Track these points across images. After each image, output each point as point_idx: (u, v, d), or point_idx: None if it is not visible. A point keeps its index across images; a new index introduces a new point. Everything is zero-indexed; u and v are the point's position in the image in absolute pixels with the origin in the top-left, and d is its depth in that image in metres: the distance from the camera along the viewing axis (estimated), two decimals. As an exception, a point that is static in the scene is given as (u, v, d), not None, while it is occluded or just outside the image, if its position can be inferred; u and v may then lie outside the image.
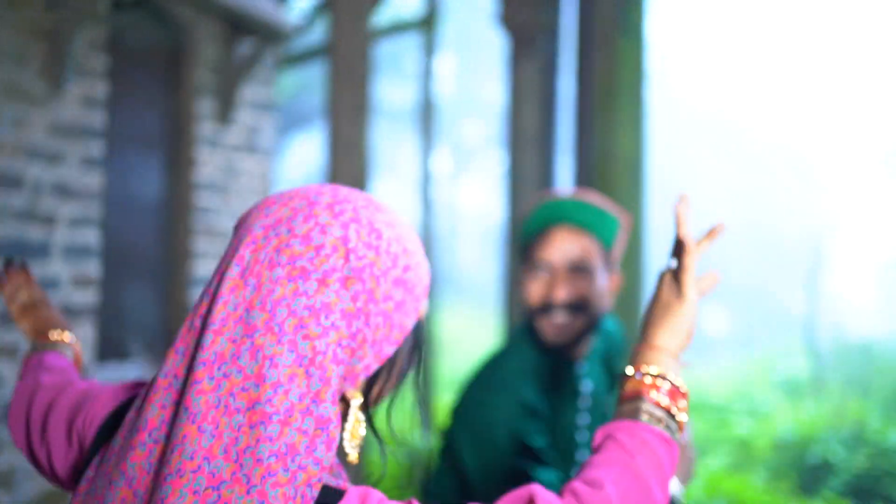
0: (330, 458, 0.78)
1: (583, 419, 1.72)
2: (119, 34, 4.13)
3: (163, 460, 0.77)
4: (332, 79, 2.92)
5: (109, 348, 4.09)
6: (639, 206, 3.39)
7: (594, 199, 1.68)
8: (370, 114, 3.24)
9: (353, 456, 0.82)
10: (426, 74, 5.66)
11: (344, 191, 0.87)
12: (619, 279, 1.70)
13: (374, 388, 0.85)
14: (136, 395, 0.93)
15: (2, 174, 3.44)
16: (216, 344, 0.78)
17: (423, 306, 0.87)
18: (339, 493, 0.80)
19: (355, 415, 0.83)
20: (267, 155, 5.02)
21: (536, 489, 0.86)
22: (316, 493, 0.77)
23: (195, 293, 4.51)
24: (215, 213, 4.63)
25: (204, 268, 4.57)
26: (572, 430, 1.72)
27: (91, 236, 3.86)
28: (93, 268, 3.86)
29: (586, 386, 1.71)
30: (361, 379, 0.83)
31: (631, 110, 3.35)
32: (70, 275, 3.77)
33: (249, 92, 4.83)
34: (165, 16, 4.36)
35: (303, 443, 0.76)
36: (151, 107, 4.39)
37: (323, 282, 0.80)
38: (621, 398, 0.99)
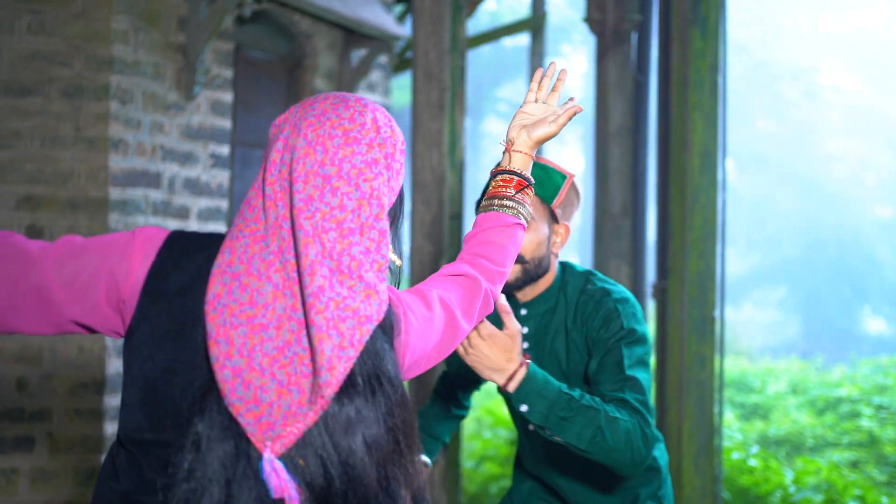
0: (387, 253, 1.18)
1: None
2: (243, 47, 4.61)
3: (299, 269, 1.13)
4: (415, 78, 3.23)
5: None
6: (714, 194, 3.52)
7: (541, 161, 1.89)
8: (450, 110, 3.53)
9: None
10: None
11: (354, 95, 1.28)
12: (567, 229, 1.90)
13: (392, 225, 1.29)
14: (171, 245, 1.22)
15: (143, 173, 3.96)
16: (306, 189, 1.15)
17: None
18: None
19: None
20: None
21: (460, 267, 1.41)
22: (385, 276, 1.17)
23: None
24: (331, 207, 5.05)
25: (321, 258, 5.00)
26: None
27: (220, 228, 4.34)
28: (220, 256, 4.34)
29: (526, 327, 1.95)
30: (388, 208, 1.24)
31: (705, 102, 3.49)
32: (201, 261, 4.26)
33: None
34: (284, 28, 4.82)
35: (373, 245, 1.16)
36: (273, 112, 4.86)
37: (369, 145, 1.20)
38: (486, 192, 1.54)
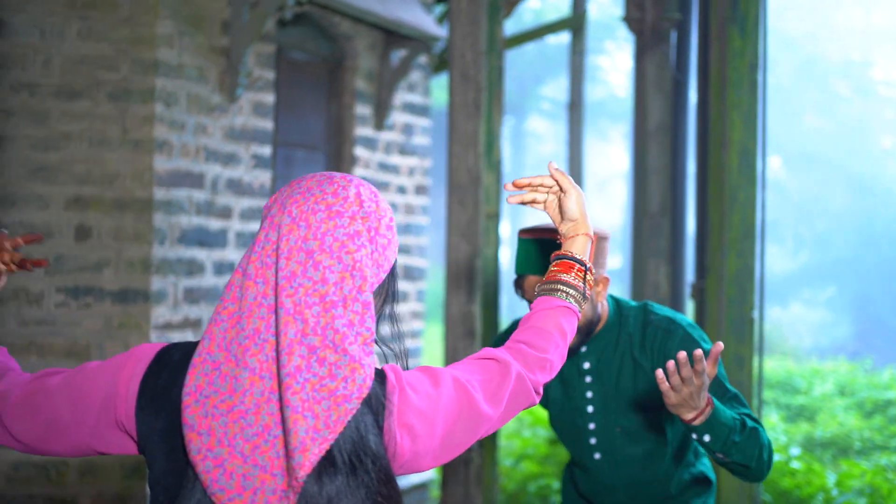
0: (373, 326, 1.19)
1: (589, 390, 2.04)
2: (285, 49, 4.69)
3: (278, 348, 1.14)
4: (451, 79, 3.26)
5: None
6: (752, 192, 3.50)
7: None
8: (486, 111, 3.55)
9: None
10: (574, 73, 5.89)
11: (341, 173, 1.29)
12: (605, 280, 1.96)
13: (377, 302, 1.27)
14: (166, 356, 1.25)
15: (187, 173, 4.05)
16: (289, 265, 1.17)
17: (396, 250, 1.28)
18: (382, 372, 1.24)
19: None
20: (420, 154, 5.46)
21: (492, 350, 1.33)
22: (371, 350, 1.16)
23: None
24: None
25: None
26: (583, 400, 2.01)
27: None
28: (262, 254, 4.42)
29: (587, 363, 2.04)
30: (376, 286, 1.25)
31: (744, 100, 3.46)
32: (243, 260, 4.35)
33: (404, 97, 5.28)
34: (326, 30, 4.88)
35: (357, 318, 1.17)
36: (314, 112, 4.93)
37: (352, 217, 1.21)
38: (546, 278, 1.46)
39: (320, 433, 1.11)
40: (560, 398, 2.08)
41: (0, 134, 3.78)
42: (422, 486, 5.22)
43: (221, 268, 4.24)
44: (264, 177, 4.44)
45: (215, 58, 4.16)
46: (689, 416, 1.74)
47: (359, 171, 5.02)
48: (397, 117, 5.26)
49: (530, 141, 21.42)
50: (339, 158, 5.01)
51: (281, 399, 1.12)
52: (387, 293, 1.28)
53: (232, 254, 4.29)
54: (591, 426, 2.04)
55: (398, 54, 5.17)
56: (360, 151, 5.03)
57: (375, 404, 1.18)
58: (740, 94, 3.45)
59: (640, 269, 4.18)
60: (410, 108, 5.35)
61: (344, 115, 5.00)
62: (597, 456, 2.07)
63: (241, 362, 1.15)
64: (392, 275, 1.28)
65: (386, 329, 1.30)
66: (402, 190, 5.35)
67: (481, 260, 3.32)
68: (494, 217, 3.54)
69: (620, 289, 12.82)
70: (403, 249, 5.32)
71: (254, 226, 4.40)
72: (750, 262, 3.50)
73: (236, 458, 1.12)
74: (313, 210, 1.20)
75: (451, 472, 3.33)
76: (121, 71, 3.88)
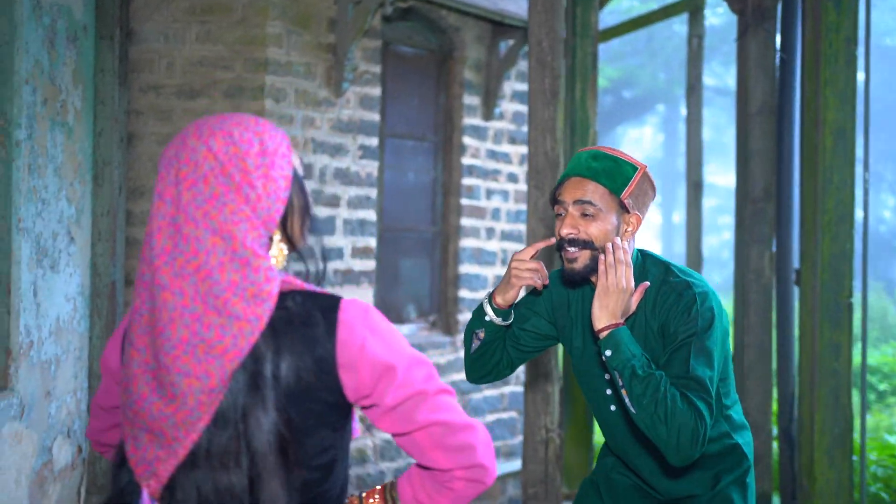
0: (262, 276, 1.21)
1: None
2: (393, 43, 4.87)
3: (152, 321, 1.22)
4: (529, 66, 3.32)
5: (386, 312, 4.84)
6: (849, 174, 3.36)
7: (610, 152, 1.96)
8: (571, 96, 3.58)
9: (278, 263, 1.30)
10: (692, 56, 5.76)
11: (209, 119, 1.27)
12: (638, 218, 1.95)
13: (289, 222, 1.30)
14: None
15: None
16: (160, 243, 1.21)
17: (293, 164, 1.29)
18: (336, 299, 1.27)
19: (278, 246, 1.29)
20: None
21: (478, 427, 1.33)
22: (266, 295, 1.21)
23: (464, 266, 5.15)
24: (481, 194, 5.22)
25: (471, 243, 5.18)
26: (598, 352, 2.01)
27: (369, 214, 4.64)
28: (371, 241, 4.63)
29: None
30: (277, 221, 1.27)
31: (839, 77, 3.32)
32: (351, 246, 4.57)
33: (513, 86, 5.35)
34: (433, 23, 5.03)
35: (237, 276, 1.20)
36: (422, 103, 5.09)
37: (206, 179, 1.22)
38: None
39: (215, 390, 1.19)
40: (581, 346, 2.06)
41: (131, 132, 4.17)
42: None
43: (329, 253, 4.48)
44: (371, 166, 4.65)
45: (322, 54, 4.39)
46: (605, 322, 1.87)
47: (468, 160, 5.15)
48: (507, 106, 5.34)
49: (682, 127, 20.80)
50: (447, 147, 5.15)
51: (171, 368, 1.20)
52: (300, 211, 1.30)
53: (340, 240, 4.52)
54: (607, 376, 2.02)
55: (506, 44, 5.24)
56: (468, 140, 5.15)
57: (312, 334, 1.23)
58: (835, 70, 3.31)
59: (742, 255, 4.07)
60: (520, 97, 5.41)
61: (453, 106, 5.14)
62: (612, 408, 2.05)
63: (129, 340, 1.25)
64: (297, 191, 1.30)
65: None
66: (512, 178, 5.43)
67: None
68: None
69: (722, 275, 12.15)
70: (515, 237, 5.40)
71: (361, 213, 4.62)
72: (847, 247, 3.36)
73: (142, 407, 1.23)
74: (173, 183, 1.22)
75: (532, 451, 3.40)
76: (234, 70, 4.18)
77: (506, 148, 5.39)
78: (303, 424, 1.24)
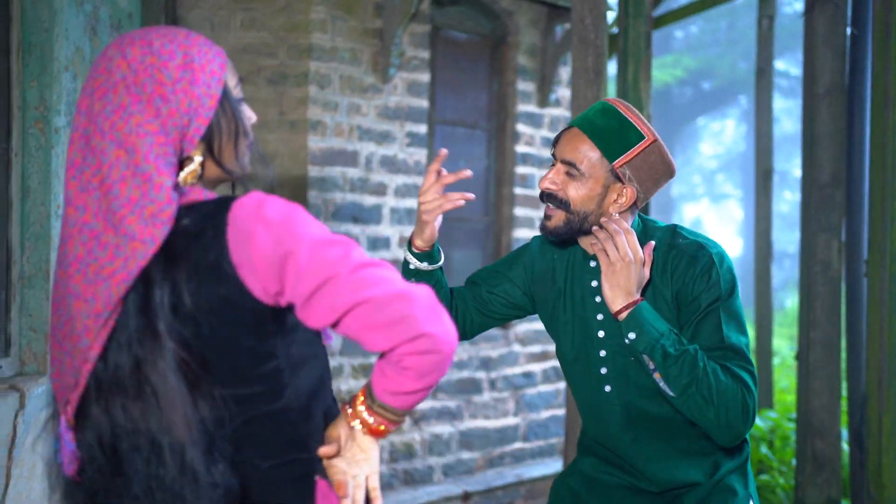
0: (163, 196, 1.16)
1: (600, 312, 1.84)
2: (443, 28, 4.75)
3: (62, 236, 1.20)
4: (572, 45, 3.16)
5: (436, 301, 4.74)
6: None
7: (623, 110, 1.77)
8: (625, 75, 3.40)
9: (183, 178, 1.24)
10: (762, 38, 5.48)
11: (138, 30, 1.24)
12: (632, 192, 1.76)
13: (215, 144, 1.24)
14: None
15: (340, 152, 4.24)
16: (72, 155, 1.19)
17: (223, 80, 1.23)
18: (230, 199, 1.20)
19: (195, 163, 1.23)
20: (588, 129, 5.31)
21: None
22: (165, 217, 1.15)
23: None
24: (535, 183, 5.05)
25: (525, 234, 5.03)
26: (593, 327, 1.84)
27: (416, 203, 4.52)
28: (418, 230, 4.53)
29: (595, 281, 1.85)
30: (197, 140, 1.21)
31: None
32: (399, 236, 4.47)
33: (568, 71, 5.17)
34: (486, 7, 4.89)
35: (137, 193, 1.16)
36: (474, 89, 4.96)
37: (115, 90, 1.18)
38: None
39: (101, 314, 1.15)
40: (570, 319, 1.87)
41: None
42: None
43: (376, 242, 4.39)
44: (419, 154, 4.54)
45: (369, 39, 4.30)
46: (622, 303, 1.72)
47: (522, 147, 4.99)
48: (563, 92, 5.17)
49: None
50: (501, 135, 5.01)
51: (66, 288, 1.17)
52: (229, 134, 1.25)
53: (387, 229, 4.43)
54: (602, 353, 1.83)
55: (562, 28, 5.07)
56: (522, 128, 4.99)
57: (203, 244, 1.17)
58: (906, 44, 3.05)
59: (808, 244, 3.81)
60: (578, 83, 5.22)
61: (507, 92, 4.99)
62: (607, 388, 1.84)
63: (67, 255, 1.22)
64: (227, 112, 1.24)
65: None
66: (569, 166, 5.25)
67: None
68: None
69: (787, 267, 11.57)
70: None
71: (409, 202, 4.52)
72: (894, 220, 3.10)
73: (56, 347, 1.20)
74: (88, 93, 1.20)
75: (572, 434, 3.25)
76: (278, 56, 4.13)
77: (562, 136, 5.21)
78: (218, 339, 1.18)
